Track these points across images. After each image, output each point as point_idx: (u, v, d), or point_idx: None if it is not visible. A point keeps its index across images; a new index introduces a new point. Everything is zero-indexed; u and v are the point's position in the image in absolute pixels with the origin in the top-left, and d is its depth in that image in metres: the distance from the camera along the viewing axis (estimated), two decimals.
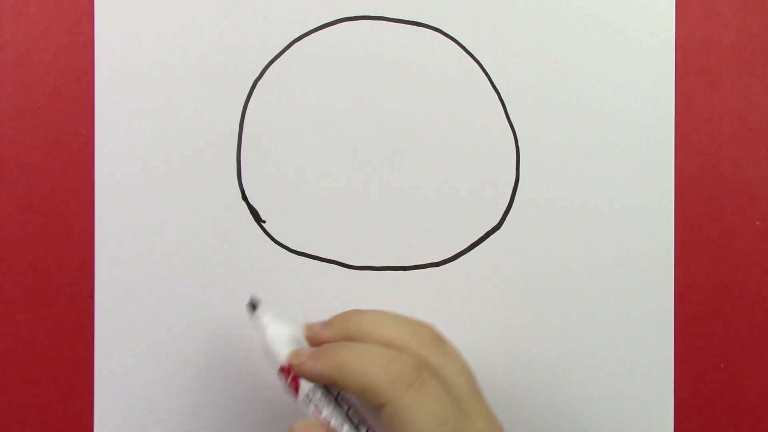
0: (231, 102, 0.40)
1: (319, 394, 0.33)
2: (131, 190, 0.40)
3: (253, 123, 0.40)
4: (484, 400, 0.33)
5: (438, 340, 0.33)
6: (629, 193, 0.41)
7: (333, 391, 0.33)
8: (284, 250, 0.41)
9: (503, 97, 0.40)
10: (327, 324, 0.34)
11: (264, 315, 0.35)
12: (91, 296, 0.40)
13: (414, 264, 0.41)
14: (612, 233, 0.41)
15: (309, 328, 0.34)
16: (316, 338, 0.34)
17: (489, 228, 0.41)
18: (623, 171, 0.41)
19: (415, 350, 0.32)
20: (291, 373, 0.34)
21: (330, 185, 0.41)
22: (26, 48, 0.39)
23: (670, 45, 0.41)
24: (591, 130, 0.41)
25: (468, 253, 0.41)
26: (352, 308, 0.41)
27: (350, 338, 0.33)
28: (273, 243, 0.41)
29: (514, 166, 0.41)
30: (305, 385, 0.33)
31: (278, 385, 0.42)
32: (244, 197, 0.40)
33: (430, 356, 0.32)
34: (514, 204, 0.41)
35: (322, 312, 0.41)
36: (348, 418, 0.32)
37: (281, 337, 0.35)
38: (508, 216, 0.41)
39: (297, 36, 0.40)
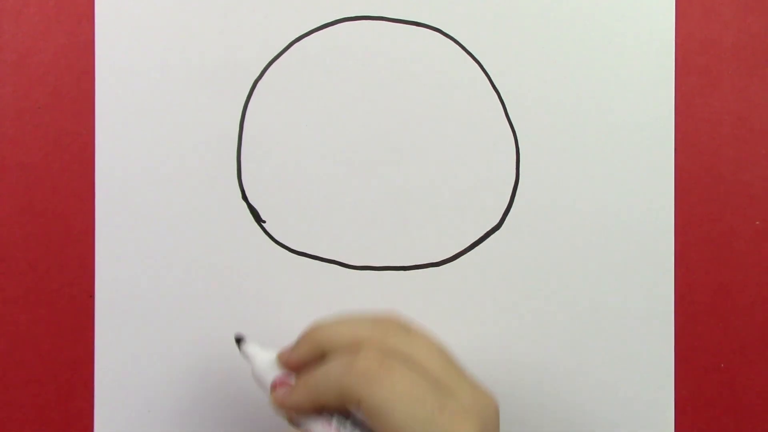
0: (231, 102, 0.40)
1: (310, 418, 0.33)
2: (131, 190, 0.40)
3: (253, 123, 0.40)
4: (466, 375, 0.33)
5: (403, 328, 0.33)
6: (629, 193, 0.41)
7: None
8: (284, 250, 0.41)
9: (503, 97, 0.40)
10: (294, 347, 0.34)
11: (250, 346, 0.36)
12: (91, 296, 0.40)
13: (414, 264, 0.41)
14: (612, 233, 0.41)
15: (281, 356, 0.35)
16: (288, 364, 0.34)
17: (489, 228, 0.41)
18: (623, 171, 0.41)
19: (380, 343, 0.32)
20: (281, 385, 0.34)
21: (330, 185, 0.41)
22: (26, 48, 0.39)
23: (670, 45, 0.41)
24: (591, 130, 0.41)
25: (468, 253, 0.41)
26: (351, 308, 0.41)
27: (318, 352, 0.33)
28: (273, 243, 0.41)
29: (514, 166, 0.41)
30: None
31: None
32: (244, 197, 0.40)
33: (397, 344, 0.32)
34: (514, 204, 0.41)
35: (322, 312, 0.41)
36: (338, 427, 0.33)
37: (269, 364, 0.35)
38: (508, 216, 0.41)
39: (297, 36, 0.40)
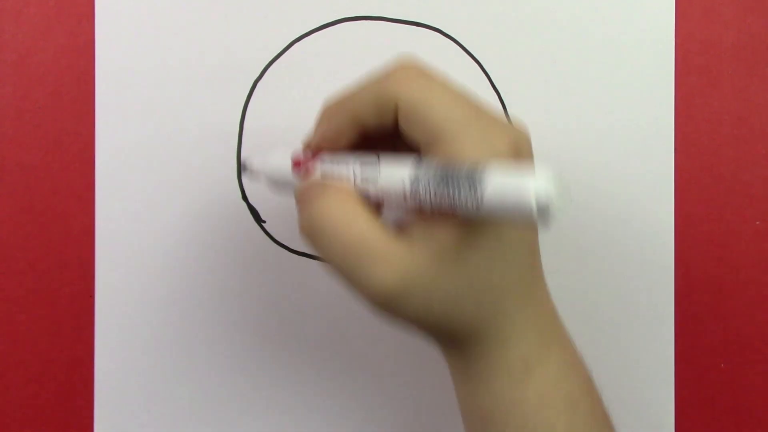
0: (231, 102, 0.40)
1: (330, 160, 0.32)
2: (131, 190, 0.40)
3: (253, 123, 0.40)
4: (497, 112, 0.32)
5: (423, 70, 0.31)
6: (629, 193, 0.41)
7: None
8: (284, 250, 0.41)
9: (503, 97, 0.40)
10: (315, 128, 0.33)
11: (254, 158, 0.35)
12: (91, 296, 0.40)
13: None
14: (612, 233, 0.41)
15: (306, 145, 0.33)
16: (317, 144, 0.32)
17: None
18: (623, 171, 0.41)
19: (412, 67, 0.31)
20: (304, 162, 0.32)
21: None
22: (26, 48, 0.39)
23: (670, 45, 0.41)
24: (591, 130, 0.41)
25: None
26: (352, 307, 0.41)
27: (343, 121, 0.32)
28: (273, 243, 0.41)
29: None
30: (318, 166, 0.32)
31: (278, 382, 0.42)
32: (244, 197, 0.40)
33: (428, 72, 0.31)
34: None
35: (322, 312, 0.41)
36: (359, 159, 0.31)
37: (278, 155, 0.34)
38: None
39: (297, 36, 0.40)
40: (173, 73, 0.40)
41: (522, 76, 0.41)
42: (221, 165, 0.40)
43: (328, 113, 0.32)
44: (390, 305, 0.29)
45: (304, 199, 0.31)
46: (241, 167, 0.36)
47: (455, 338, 0.31)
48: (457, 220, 0.29)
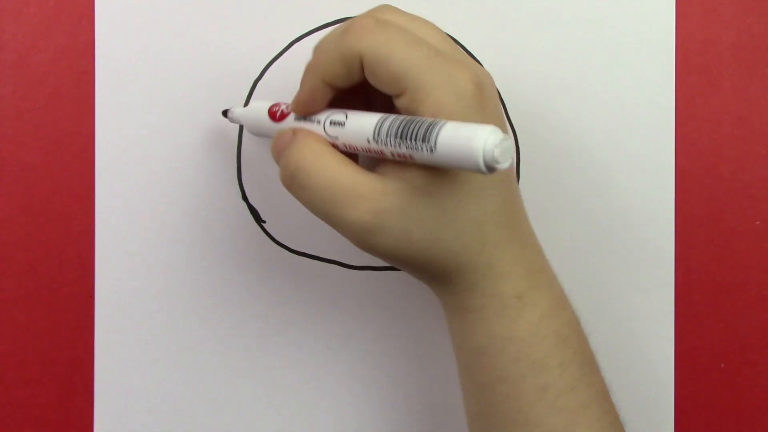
0: (231, 102, 0.40)
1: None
2: (131, 190, 0.40)
3: None
4: (464, 53, 0.34)
5: (398, 10, 0.34)
6: (629, 194, 0.41)
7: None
8: (284, 250, 0.41)
9: (503, 97, 0.40)
10: (300, 89, 0.34)
11: (235, 106, 0.38)
12: (91, 296, 0.40)
13: None
14: (612, 233, 0.41)
15: (294, 107, 0.34)
16: (302, 104, 0.34)
17: None
18: (623, 171, 0.41)
19: (375, 16, 0.33)
20: (280, 106, 0.35)
21: None
22: (26, 48, 0.39)
23: (670, 45, 0.41)
24: (591, 130, 0.41)
25: None
26: (352, 307, 0.41)
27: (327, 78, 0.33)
28: (273, 243, 0.41)
29: (514, 167, 0.41)
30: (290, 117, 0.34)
31: (278, 383, 0.42)
32: (244, 197, 0.40)
33: (394, 19, 0.33)
34: None
35: (322, 312, 0.41)
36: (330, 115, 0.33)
37: (258, 104, 0.36)
38: None
39: (297, 36, 0.40)
40: (173, 73, 0.40)
41: (522, 76, 0.41)
42: (221, 165, 0.40)
43: (303, 79, 0.34)
44: (370, 241, 0.31)
45: (277, 151, 0.33)
46: (224, 111, 0.38)
47: (442, 270, 0.32)
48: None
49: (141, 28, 0.40)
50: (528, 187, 0.41)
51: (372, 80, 0.32)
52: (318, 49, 0.33)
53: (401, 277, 0.41)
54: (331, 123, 0.33)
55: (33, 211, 0.40)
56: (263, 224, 0.41)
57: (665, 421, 0.41)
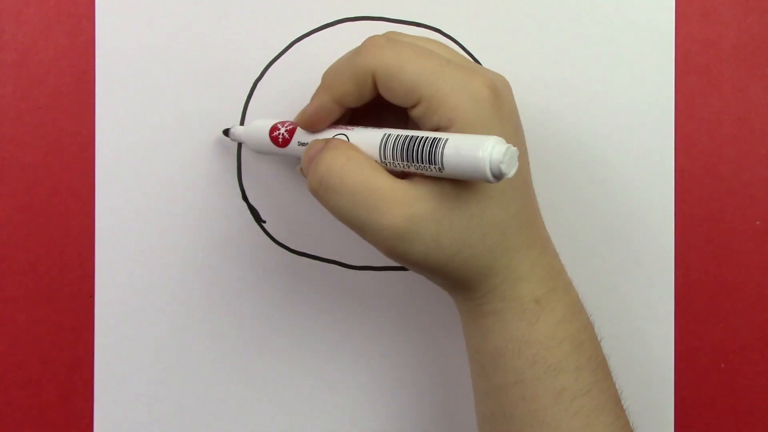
0: (231, 102, 0.40)
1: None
2: (131, 190, 0.40)
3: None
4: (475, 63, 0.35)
5: (407, 34, 0.34)
6: (629, 194, 0.41)
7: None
8: (284, 250, 0.41)
9: None
10: (309, 104, 0.35)
11: (236, 126, 0.39)
12: (91, 296, 0.40)
13: None
14: (612, 233, 0.41)
15: (300, 122, 0.35)
16: (311, 118, 0.34)
17: None
18: (623, 171, 0.41)
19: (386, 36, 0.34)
20: (280, 130, 0.36)
21: None
22: (26, 48, 0.39)
23: (670, 45, 0.41)
24: (591, 130, 0.41)
25: None
26: (352, 307, 0.41)
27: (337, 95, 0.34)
28: (273, 243, 0.41)
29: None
30: (296, 135, 0.35)
31: (278, 382, 0.42)
32: (244, 197, 0.40)
33: (403, 37, 0.34)
34: None
35: (322, 312, 0.41)
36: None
37: (260, 121, 0.37)
38: None
39: (297, 36, 0.40)
40: (173, 73, 0.40)
41: (522, 76, 0.41)
42: (221, 165, 0.40)
43: (312, 97, 0.34)
44: (401, 246, 0.31)
45: (308, 159, 0.33)
46: (225, 131, 0.39)
47: (467, 276, 0.32)
48: None
49: (141, 28, 0.40)
50: None
51: (386, 95, 0.32)
52: (328, 71, 0.34)
53: (401, 277, 0.41)
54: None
55: (33, 211, 0.40)
56: (263, 224, 0.41)
57: (665, 421, 0.41)
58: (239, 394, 0.41)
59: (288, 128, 0.36)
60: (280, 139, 0.36)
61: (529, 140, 0.36)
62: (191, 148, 0.40)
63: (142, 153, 0.40)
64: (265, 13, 0.40)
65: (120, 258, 0.40)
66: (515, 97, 0.34)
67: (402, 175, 0.32)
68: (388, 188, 0.31)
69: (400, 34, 0.34)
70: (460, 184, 0.31)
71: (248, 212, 0.40)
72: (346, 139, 0.33)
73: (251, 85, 0.40)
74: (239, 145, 0.40)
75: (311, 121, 0.34)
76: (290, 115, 0.40)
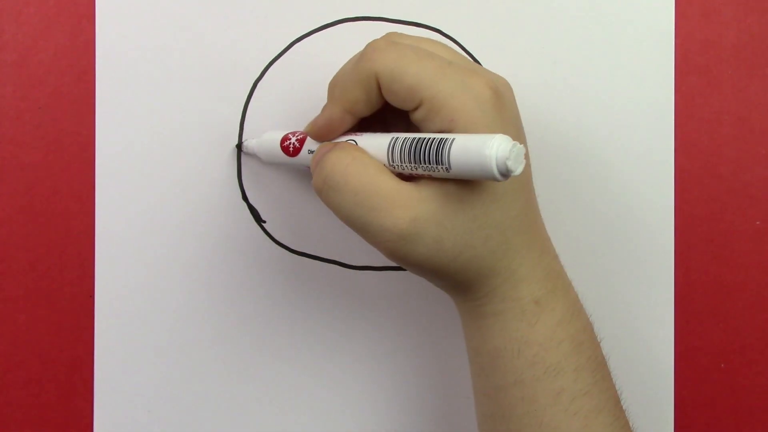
0: (231, 102, 0.40)
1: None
2: (131, 190, 0.40)
3: (253, 123, 0.40)
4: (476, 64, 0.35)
5: (408, 35, 0.34)
6: (629, 194, 0.41)
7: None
8: (284, 250, 0.41)
9: None
10: (319, 114, 0.35)
11: (249, 140, 0.39)
12: (91, 296, 0.40)
13: None
14: (612, 233, 0.41)
15: (310, 131, 0.35)
16: (322, 128, 0.34)
17: None
18: (623, 171, 0.41)
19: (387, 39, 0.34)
20: (290, 139, 0.36)
21: None
22: (26, 48, 0.39)
23: (670, 45, 0.41)
24: (591, 130, 0.41)
25: None
26: (352, 307, 0.41)
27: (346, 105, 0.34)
28: (273, 243, 0.41)
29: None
30: (307, 143, 0.35)
31: (278, 382, 0.42)
32: (244, 197, 0.40)
33: (404, 39, 0.34)
34: None
35: (322, 312, 0.41)
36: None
37: (272, 133, 0.38)
38: None
39: (297, 36, 0.40)
40: (173, 74, 0.40)
41: (522, 76, 0.41)
42: (221, 165, 0.40)
43: (323, 108, 0.34)
44: (403, 249, 0.31)
45: (316, 161, 0.33)
46: (238, 145, 0.40)
47: (467, 277, 0.32)
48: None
49: (141, 28, 0.40)
50: None
51: (390, 98, 0.32)
52: (333, 81, 0.34)
53: (401, 277, 0.41)
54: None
55: (33, 211, 0.40)
56: (263, 224, 0.41)
57: (665, 421, 0.41)
58: (239, 394, 0.41)
59: (298, 138, 0.36)
60: (291, 149, 0.36)
61: (529, 140, 0.36)
62: (191, 148, 0.40)
63: (142, 153, 0.40)
64: (265, 13, 0.40)
65: (120, 258, 0.40)
66: (518, 97, 0.34)
67: (410, 179, 0.32)
68: (392, 189, 0.31)
69: (400, 36, 0.34)
70: (464, 186, 0.31)
71: (248, 212, 0.40)
72: (355, 144, 0.33)
73: (251, 85, 0.40)
74: (239, 145, 0.40)
75: (322, 132, 0.34)
76: (290, 115, 0.40)
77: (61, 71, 0.40)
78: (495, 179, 0.28)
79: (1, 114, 0.39)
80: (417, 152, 0.30)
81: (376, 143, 0.32)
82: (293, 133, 0.36)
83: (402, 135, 0.31)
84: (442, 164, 0.29)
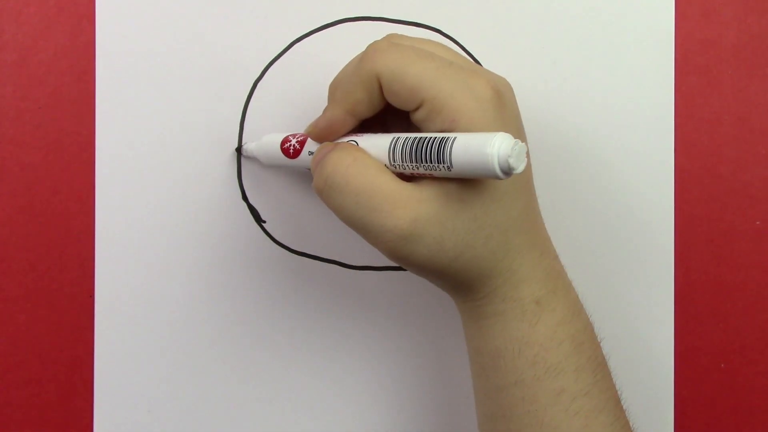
0: (231, 102, 0.40)
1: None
2: (131, 190, 0.40)
3: (253, 123, 0.40)
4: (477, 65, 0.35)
5: (408, 36, 0.34)
6: (629, 194, 0.41)
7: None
8: (284, 250, 0.41)
9: None
10: (321, 115, 0.35)
11: (248, 143, 0.39)
12: (91, 296, 0.40)
13: None
14: (612, 233, 0.41)
15: (311, 132, 0.35)
16: (323, 129, 0.34)
17: None
18: (623, 171, 0.41)
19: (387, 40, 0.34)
20: (291, 141, 0.36)
21: None
22: (26, 48, 0.39)
23: (670, 45, 0.41)
24: (591, 130, 0.41)
25: None
26: (352, 307, 0.41)
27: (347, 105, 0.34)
28: (273, 243, 0.41)
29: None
30: (307, 145, 0.35)
31: (278, 382, 0.42)
32: (244, 197, 0.40)
33: (404, 40, 0.34)
34: None
35: (322, 312, 0.41)
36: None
37: (271, 136, 0.38)
38: None
39: (297, 36, 0.40)
40: (173, 74, 0.40)
41: (522, 77, 0.41)
42: (221, 165, 0.40)
43: (325, 111, 0.34)
44: (404, 250, 0.31)
45: (316, 161, 0.33)
46: (238, 148, 0.40)
47: (468, 277, 0.32)
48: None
49: (141, 28, 0.40)
50: None
51: (391, 99, 0.32)
52: (334, 83, 0.34)
53: (401, 277, 0.41)
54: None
55: (33, 211, 0.40)
56: (263, 224, 0.41)
57: (665, 421, 0.41)
58: (239, 394, 0.41)
59: (299, 139, 0.36)
60: (291, 151, 0.36)
61: (530, 140, 0.36)
62: (191, 147, 0.40)
63: (142, 153, 0.40)
64: (265, 13, 0.40)
65: (120, 258, 0.40)
66: (517, 97, 0.34)
67: (410, 180, 0.32)
68: (393, 190, 0.31)
69: (401, 37, 0.34)
70: (465, 186, 0.31)
71: (248, 212, 0.40)
72: (356, 144, 0.33)
73: (251, 85, 0.40)
74: (239, 145, 0.40)
75: (323, 134, 0.34)
76: (290, 115, 0.40)
77: (61, 71, 0.40)
78: (497, 177, 0.28)
79: (1, 114, 0.39)
80: (419, 151, 0.30)
81: (377, 143, 0.32)
82: (293, 135, 0.36)
83: (403, 135, 0.31)
84: (444, 163, 0.29)
